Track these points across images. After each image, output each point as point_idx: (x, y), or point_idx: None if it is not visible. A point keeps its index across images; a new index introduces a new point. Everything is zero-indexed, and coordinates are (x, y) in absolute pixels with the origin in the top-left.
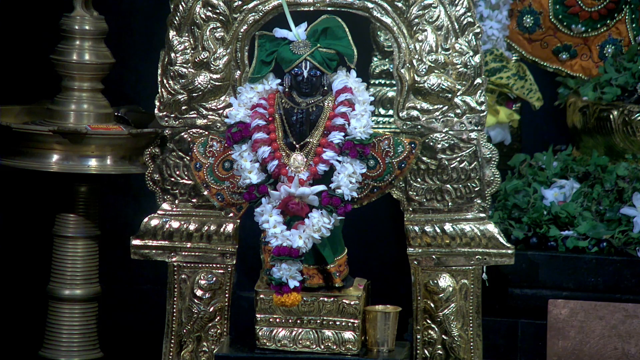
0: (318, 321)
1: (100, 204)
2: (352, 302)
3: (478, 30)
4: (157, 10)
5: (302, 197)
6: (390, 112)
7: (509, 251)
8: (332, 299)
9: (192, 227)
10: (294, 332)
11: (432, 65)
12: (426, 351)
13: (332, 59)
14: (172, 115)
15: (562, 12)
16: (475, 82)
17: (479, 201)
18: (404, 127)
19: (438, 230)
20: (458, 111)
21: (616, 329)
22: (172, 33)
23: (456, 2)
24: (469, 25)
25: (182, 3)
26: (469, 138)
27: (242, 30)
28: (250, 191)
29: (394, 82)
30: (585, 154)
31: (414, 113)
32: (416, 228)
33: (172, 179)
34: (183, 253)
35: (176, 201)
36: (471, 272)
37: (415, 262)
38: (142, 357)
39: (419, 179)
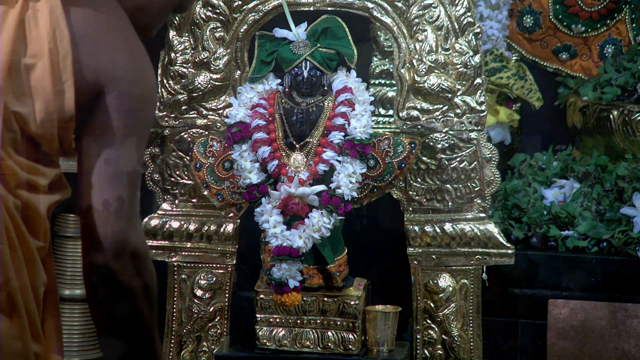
0: (318, 321)
1: None
2: (352, 302)
3: (478, 30)
4: None
5: (302, 197)
6: (390, 112)
7: (509, 251)
8: (332, 299)
9: (192, 227)
10: (294, 332)
11: (432, 65)
12: (426, 351)
13: (332, 59)
14: (172, 115)
15: (562, 12)
16: (475, 82)
17: (479, 201)
18: (404, 127)
19: (438, 230)
20: (458, 111)
21: (616, 329)
22: (172, 33)
23: (456, 2)
24: (469, 25)
25: None
26: (469, 138)
27: (242, 30)
28: (250, 191)
29: (394, 82)
30: (585, 154)
31: (414, 113)
32: (416, 228)
33: (172, 179)
34: (183, 253)
35: (176, 201)
36: (471, 272)
37: (415, 262)
38: (142, 357)
39: (419, 179)
